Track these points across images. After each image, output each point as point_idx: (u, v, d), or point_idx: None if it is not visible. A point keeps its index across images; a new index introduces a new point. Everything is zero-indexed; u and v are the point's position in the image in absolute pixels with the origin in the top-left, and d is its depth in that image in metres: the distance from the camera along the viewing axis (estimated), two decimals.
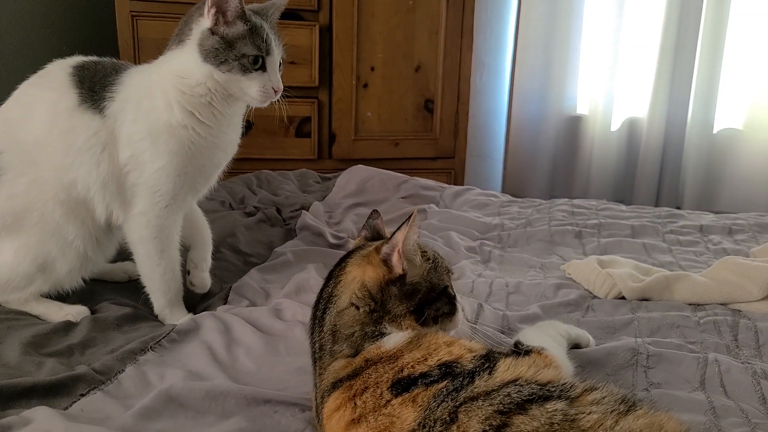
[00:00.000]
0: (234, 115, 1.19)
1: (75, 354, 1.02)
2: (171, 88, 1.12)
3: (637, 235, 1.68)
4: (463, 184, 2.49)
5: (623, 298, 1.25)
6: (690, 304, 1.22)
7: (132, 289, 1.29)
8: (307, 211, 1.79)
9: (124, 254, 1.34)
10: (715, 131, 2.72)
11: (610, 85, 2.76)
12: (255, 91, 1.10)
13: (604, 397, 0.64)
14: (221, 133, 1.17)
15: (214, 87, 1.11)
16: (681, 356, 0.99)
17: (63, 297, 1.19)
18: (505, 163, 2.99)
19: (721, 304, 1.21)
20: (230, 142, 1.21)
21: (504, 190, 2.90)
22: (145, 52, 2.11)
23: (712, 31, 2.62)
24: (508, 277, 1.40)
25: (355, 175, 2.09)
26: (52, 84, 1.16)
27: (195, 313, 1.22)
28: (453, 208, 1.96)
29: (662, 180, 2.80)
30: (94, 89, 1.14)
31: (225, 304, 1.27)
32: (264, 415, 0.86)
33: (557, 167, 2.91)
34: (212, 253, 1.54)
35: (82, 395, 0.89)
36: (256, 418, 0.85)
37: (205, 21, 1.09)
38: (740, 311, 1.18)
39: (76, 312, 1.15)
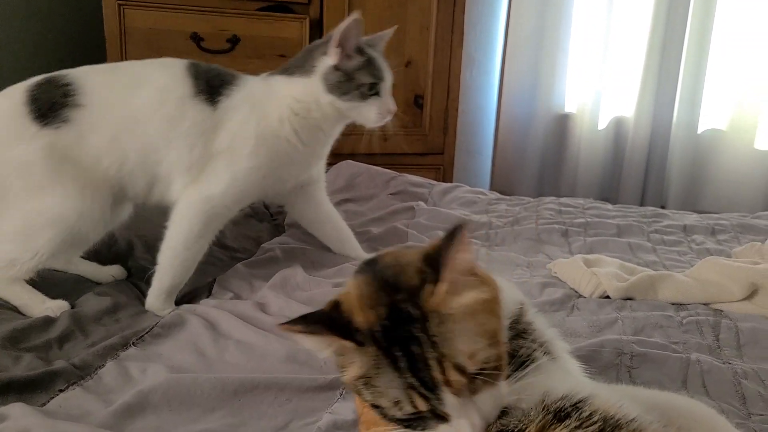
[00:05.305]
0: (334, 136, 1.36)
1: (53, 348, 0.99)
2: (286, 108, 1.25)
3: (623, 234, 1.69)
4: (452, 181, 2.49)
5: (608, 297, 1.26)
6: (673, 304, 1.23)
7: (114, 283, 1.28)
8: None
9: (111, 257, 1.34)
10: (699, 131, 2.76)
11: (598, 84, 2.78)
12: (374, 114, 1.27)
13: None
14: (315, 151, 1.34)
15: (333, 113, 1.27)
16: (664, 356, 1.00)
17: (47, 288, 1.17)
18: (493, 159, 3.00)
19: (704, 304, 1.22)
20: (320, 158, 1.39)
21: (492, 187, 2.91)
22: (133, 43, 2.08)
23: (698, 34, 2.64)
24: (495, 275, 1.40)
25: (344, 170, 2.07)
26: (167, 71, 1.23)
27: (177, 305, 1.21)
28: (441, 205, 1.96)
29: (648, 179, 2.83)
30: (211, 84, 1.23)
31: (209, 296, 1.26)
32: (249, 406, 0.85)
33: (545, 165, 2.93)
34: None
35: (61, 391, 0.87)
36: (243, 410, 0.84)
37: (329, 59, 1.23)
38: (722, 311, 1.19)
39: (57, 307, 1.13)
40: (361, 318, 0.58)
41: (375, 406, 0.59)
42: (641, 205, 2.61)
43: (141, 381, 0.90)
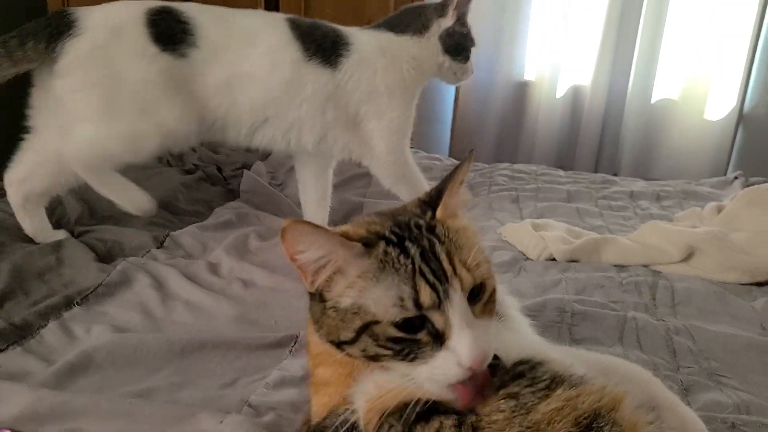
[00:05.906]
0: None
1: None
2: (404, 63, 1.35)
3: (572, 199, 1.74)
4: (411, 148, 2.48)
5: (554, 259, 1.30)
6: (615, 266, 1.28)
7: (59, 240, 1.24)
8: (249, 170, 1.75)
9: (54, 221, 1.31)
10: (653, 101, 2.82)
11: (557, 53, 2.80)
12: (466, 75, 1.42)
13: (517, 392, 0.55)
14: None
15: (435, 71, 1.39)
16: (603, 314, 1.05)
17: None
18: (453, 126, 3.01)
19: (644, 266, 1.28)
20: None
21: (451, 154, 2.93)
22: (77, 3, 1.96)
23: (655, 6, 2.68)
24: None
25: None
26: (275, 30, 1.27)
27: (126, 256, 1.18)
28: None
29: (602, 147, 2.90)
30: (322, 46, 1.28)
31: (160, 248, 1.24)
32: (196, 365, 0.86)
33: (504, 132, 2.96)
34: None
35: (0, 351, 0.85)
36: (190, 369, 0.85)
37: (447, 21, 1.36)
38: (660, 272, 1.25)
39: None
40: (364, 232, 0.59)
41: (361, 330, 0.54)
42: (595, 172, 2.68)
43: (85, 341, 0.89)
